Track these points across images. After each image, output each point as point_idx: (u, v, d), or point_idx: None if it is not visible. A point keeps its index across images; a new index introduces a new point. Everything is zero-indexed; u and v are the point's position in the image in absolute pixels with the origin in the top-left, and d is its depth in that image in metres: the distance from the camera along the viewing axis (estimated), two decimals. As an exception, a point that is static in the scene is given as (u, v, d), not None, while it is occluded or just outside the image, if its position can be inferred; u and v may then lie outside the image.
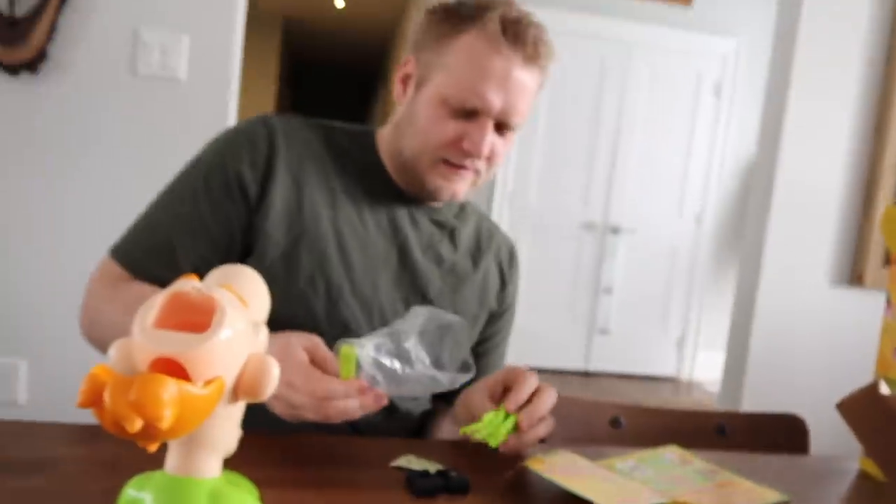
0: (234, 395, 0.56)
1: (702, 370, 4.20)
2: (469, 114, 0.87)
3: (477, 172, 0.92)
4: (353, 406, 0.72)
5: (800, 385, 2.02)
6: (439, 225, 0.98)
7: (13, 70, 1.84)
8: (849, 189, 2.07)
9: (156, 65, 1.91)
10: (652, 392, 3.91)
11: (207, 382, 0.52)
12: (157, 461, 0.54)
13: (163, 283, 0.83)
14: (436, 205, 0.98)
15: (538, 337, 4.00)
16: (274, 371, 0.56)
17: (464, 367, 0.78)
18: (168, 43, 1.91)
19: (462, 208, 1.03)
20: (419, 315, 0.79)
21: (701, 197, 4.15)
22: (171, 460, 0.57)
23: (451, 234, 0.99)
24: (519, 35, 0.86)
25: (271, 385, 0.56)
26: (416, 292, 0.94)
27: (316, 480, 0.70)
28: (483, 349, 1.04)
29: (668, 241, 4.13)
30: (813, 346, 2.06)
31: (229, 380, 0.54)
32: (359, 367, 0.73)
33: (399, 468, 0.74)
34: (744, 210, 4.09)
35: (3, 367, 1.88)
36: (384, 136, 0.97)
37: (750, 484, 0.77)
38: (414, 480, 0.70)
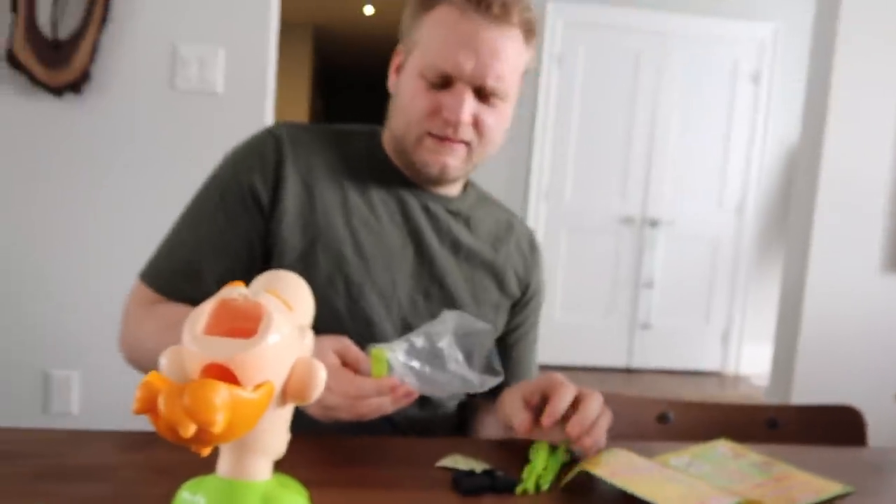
0: (283, 398, 0.57)
1: (748, 364, 4.11)
2: (444, 83, 0.87)
3: (468, 146, 0.91)
4: (385, 403, 0.73)
5: (853, 376, 1.96)
6: (454, 214, 0.98)
7: (58, 91, 1.90)
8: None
9: (194, 79, 1.95)
10: (697, 387, 3.84)
11: (257, 387, 0.53)
12: (209, 465, 0.56)
13: (193, 301, 0.84)
14: (449, 194, 0.98)
15: (579, 334, 3.96)
16: (321, 374, 0.57)
17: (492, 371, 0.78)
18: (205, 57, 1.95)
19: (479, 198, 1.03)
20: (450, 319, 0.79)
21: (741, 187, 4.06)
22: (224, 464, 0.58)
23: (468, 223, 0.99)
24: None
25: (318, 388, 0.57)
26: (434, 282, 0.94)
27: (363, 480, 0.71)
28: (512, 339, 1.04)
29: (708, 232, 4.06)
30: (864, 334, 2.00)
31: (278, 383, 0.55)
32: (390, 368, 0.74)
33: (445, 468, 0.74)
34: (787, 199, 3.99)
35: (59, 379, 1.94)
36: (386, 133, 0.98)
37: (808, 476, 0.75)
38: (460, 480, 0.70)
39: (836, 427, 0.97)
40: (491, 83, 0.87)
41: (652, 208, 4.00)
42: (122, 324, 0.94)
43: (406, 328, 0.91)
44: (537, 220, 3.90)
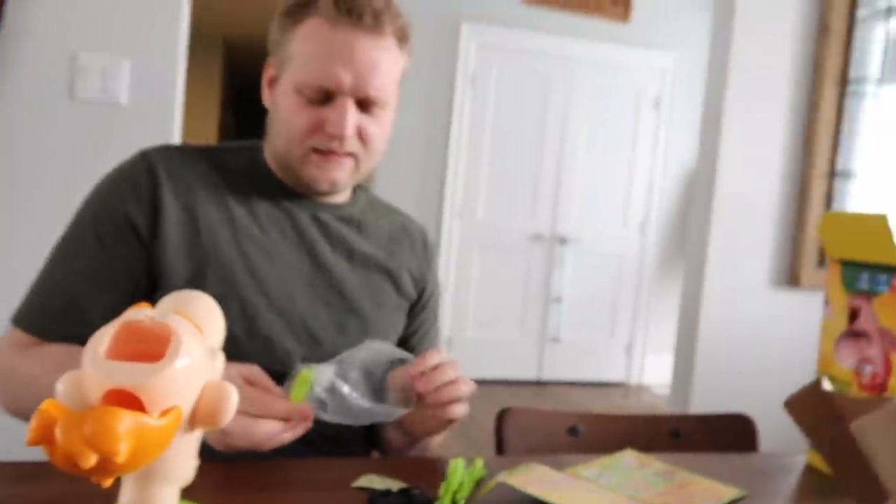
0: (191, 423, 0.55)
1: (650, 374, 4.30)
2: (325, 98, 0.87)
3: (355, 158, 0.90)
4: (281, 431, 0.73)
5: (746, 384, 2.09)
6: (345, 220, 0.97)
7: (-59, 96, 1.77)
8: (783, 195, 2.17)
9: (95, 89, 1.86)
10: (603, 398, 3.97)
11: (164, 412, 0.51)
12: (107, 495, 0.53)
13: (76, 340, 0.82)
14: (337, 201, 0.97)
15: (491, 349, 4.03)
16: (233, 397, 0.55)
17: (406, 403, 0.79)
18: (108, 67, 1.86)
19: (370, 202, 1.03)
20: (370, 349, 0.80)
21: (644, 206, 4.26)
22: (127, 494, 0.56)
23: (360, 228, 0.98)
24: (354, 8, 0.85)
25: (230, 412, 0.55)
26: (332, 291, 0.93)
27: (277, 507, 0.69)
28: (415, 341, 1.04)
29: (614, 249, 4.23)
30: (756, 345, 2.13)
31: (186, 408, 0.53)
32: (311, 391, 0.74)
33: (361, 488, 0.73)
34: (685, 218, 4.22)
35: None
36: (267, 146, 0.97)
37: (708, 482, 0.80)
38: (376, 500, 0.69)
39: (731, 434, 1.03)
40: (372, 94, 0.87)
41: (561, 226, 4.13)
42: None
43: (311, 339, 0.91)
44: (451, 237, 3.95)
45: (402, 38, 0.90)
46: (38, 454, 0.90)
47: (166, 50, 1.90)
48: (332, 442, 0.91)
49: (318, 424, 0.77)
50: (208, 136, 7.07)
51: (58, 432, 0.45)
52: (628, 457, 0.86)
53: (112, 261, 0.86)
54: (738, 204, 2.14)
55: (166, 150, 0.92)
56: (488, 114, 3.99)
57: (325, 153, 0.88)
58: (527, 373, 4.13)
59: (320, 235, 0.94)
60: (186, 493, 0.58)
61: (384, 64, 0.87)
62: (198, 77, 6.08)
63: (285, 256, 0.91)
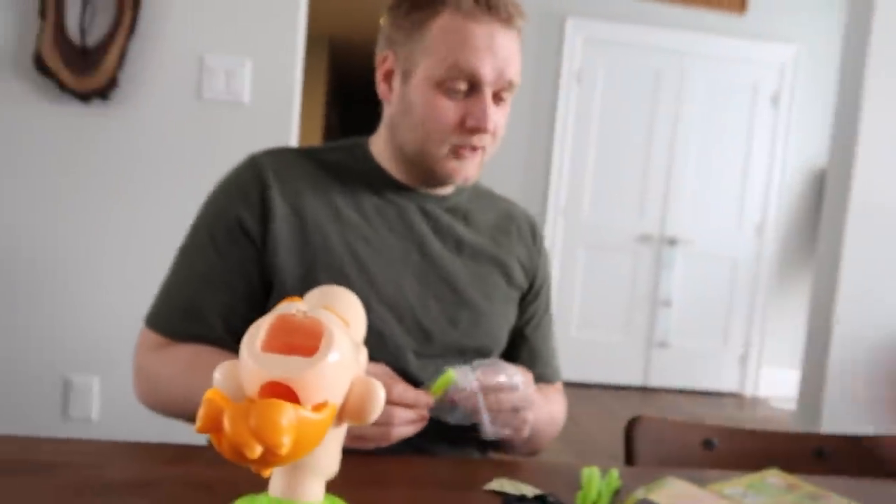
0: (339, 418, 0.55)
1: (766, 386, 4.06)
2: (466, 90, 0.87)
3: (484, 150, 0.91)
4: (412, 419, 0.77)
5: (883, 397, 1.93)
6: (452, 211, 0.97)
7: (85, 97, 1.90)
8: (928, 197, 1.99)
9: (220, 89, 1.95)
10: (716, 408, 3.79)
11: (316, 406, 0.51)
12: (252, 482, 0.54)
13: (199, 340, 0.88)
14: (444, 192, 0.96)
15: (596, 352, 3.93)
16: (380, 394, 0.55)
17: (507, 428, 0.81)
18: (232, 67, 1.95)
19: (475, 191, 1.02)
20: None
21: (761, 208, 4.03)
22: (277, 484, 0.57)
23: (466, 218, 0.98)
24: (491, 2, 0.87)
25: (377, 409, 0.55)
26: (442, 283, 0.93)
27: (412, 503, 0.69)
28: (528, 330, 1.02)
29: (727, 252, 4.02)
30: (894, 361, 1.97)
31: (336, 403, 0.54)
32: (454, 384, 0.76)
33: (493, 492, 0.72)
34: (807, 221, 3.96)
35: (79, 384, 1.93)
36: (378, 141, 0.97)
37: (865, 511, 0.73)
38: (512, 505, 0.68)
39: (883, 458, 0.95)
40: (510, 80, 0.88)
41: (670, 226, 3.98)
42: (134, 374, 0.93)
43: (421, 332, 0.91)
44: (554, 236, 3.89)
45: (521, 31, 0.92)
46: (169, 435, 0.94)
47: (285, 50, 1.97)
48: (448, 441, 0.91)
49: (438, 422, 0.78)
50: (314, 134, 7.31)
51: (226, 423, 0.45)
52: (773, 476, 0.81)
53: (227, 264, 0.89)
54: (874, 205, 1.98)
55: (273, 154, 0.95)
56: (594, 110, 3.90)
57: (465, 148, 0.89)
58: (632, 378, 4.00)
59: (428, 228, 0.94)
60: (327, 486, 0.58)
61: (515, 52, 0.89)
62: (306, 76, 6.29)
63: (394, 250, 0.92)
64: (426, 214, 0.94)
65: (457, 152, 0.89)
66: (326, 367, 0.51)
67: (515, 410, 0.79)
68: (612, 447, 0.91)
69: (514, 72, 0.89)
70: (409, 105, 0.90)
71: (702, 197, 3.98)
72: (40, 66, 1.87)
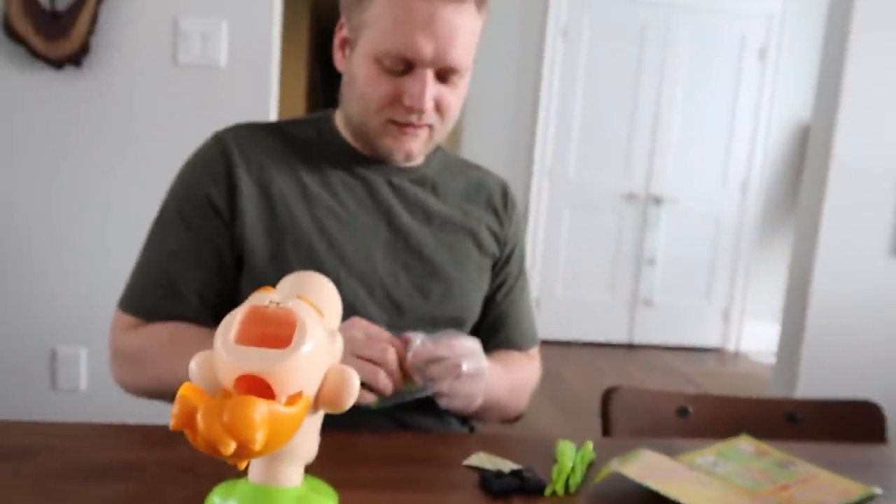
0: (315, 405, 0.56)
1: (749, 341, 4.13)
2: (404, 68, 0.84)
3: (430, 128, 0.89)
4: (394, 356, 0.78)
5: (861, 359, 1.97)
6: (420, 182, 0.96)
7: (58, 64, 1.86)
8: (909, 155, 1.99)
9: (196, 53, 1.90)
10: (698, 363, 3.86)
11: (291, 397, 0.52)
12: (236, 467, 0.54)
13: (175, 318, 0.88)
14: (411, 164, 0.96)
15: (581, 310, 3.97)
16: (355, 382, 0.56)
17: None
18: (208, 30, 1.90)
19: (445, 161, 1.01)
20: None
21: (746, 164, 4.04)
22: (255, 470, 0.58)
23: (434, 188, 0.97)
24: None
25: (352, 396, 0.56)
26: (412, 254, 0.93)
27: (391, 481, 0.71)
28: (500, 295, 1.01)
29: (712, 209, 4.04)
30: (873, 319, 2.00)
31: (311, 392, 0.54)
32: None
33: (471, 467, 0.74)
34: (792, 177, 3.97)
35: (68, 355, 1.93)
36: (339, 113, 0.96)
37: (833, 476, 0.75)
38: (489, 481, 0.69)
39: (856, 422, 0.97)
40: (452, 64, 0.84)
41: (655, 185, 3.98)
42: (111, 357, 0.93)
43: (393, 305, 0.91)
44: (540, 196, 3.88)
45: (481, 6, 0.87)
46: (161, 416, 0.95)
47: (261, 10, 1.91)
48: (433, 414, 0.92)
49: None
50: (297, 91, 7.18)
51: (199, 420, 0.46)
52: (744, 444, 0.83)
53: (198, 240, 0.89)
54: (857, 164, 1.98)
55: (238, 130, 0.94)
56: (580, 67, 3.85)
57: (403, 125, 0.87)
58: (617, 335, 4.06)
59: (396, 200, 0.94)
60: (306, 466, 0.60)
61: (464, 31, 0.84)
62: (286, 32, 6.14)
63: (362, 223, 0.91)
64: (393, 187, 0.94)
65: (396, 129, 0.88)
66: (300, 359, 0.51)
67: (457, 378, 0.79)
68: (596, 405, 0.93)
69: (458, 53, 0.84)
70: (353, 77, 0.89)
71: (687, 154, 3.97)
72: (9, 31, 1.82)
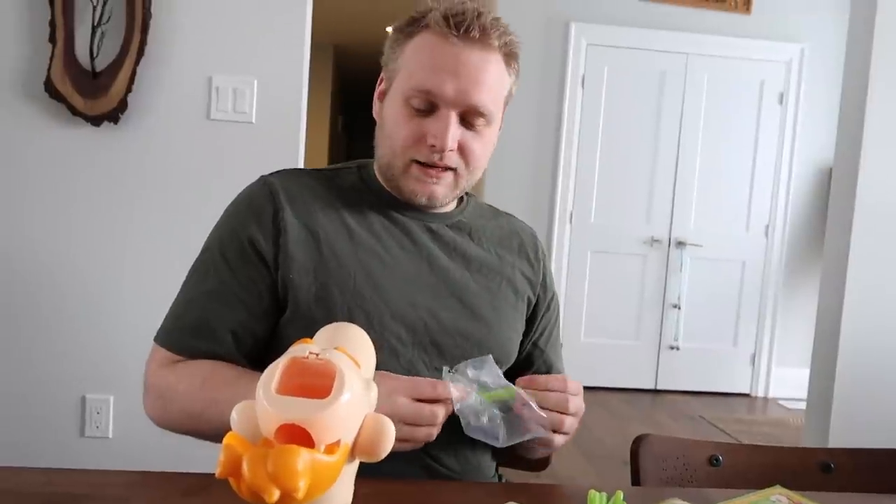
0: (352, 454, 0.57)
1: (777, 387, 4.05)
2: (430, 108, 0.88)
3: (455, 172, 0.92)
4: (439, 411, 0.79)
5: (894, 405, 1.93)
6: (457, 228, 0.99)
7: (96, 121, 1.94)
8: (935, 198, 1.98)
9: (228, 109, 1.98)
10: (727, 409, 3.79)
11: (330, 446, 0.53)
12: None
13: (210, 356, 0.89)
14: (446, 210, 0.99)
15: (606, 356, 3.94)
16: (390, 432, 0.57)
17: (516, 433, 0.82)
18: (239, 87, 1.98)
19: (478, 208, 1.04)
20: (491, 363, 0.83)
21: (769, 209, 4.03)
22: (293, 519, 0.59)
23: (471, 234, 1.00)
24: (463, 22, 0.87)
25: (388, 445, 0.57)
26: (454, 299, 0.94)
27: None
28: (542, 342, 1.05)
29: (736, 254, 4.02)
30: (905, 363, 1.97)
31: (349, 440, 0.56)
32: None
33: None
34: (816, 221, 3.95)
35: (95, 402, 1.96)
36: (376, 159, 0.99)
37: (868, 528, 0.74)
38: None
39: (891, 471, 0.96)
40: (474, 105, 0.88)
41: (678, 230, 3.98)
42: (145, 392, 0.94)
43: (434, 347, 0.92)
44: (562, 242, 3.90)
45: (510, 55, 0.91)
46: (190, 464, 0.96)
47: (290, 68, 1.99)
48: (464, 462, 0.92)
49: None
50: (321, 140, 7.34)
51: (244, 468, 0.48)
52: (777, 495, 0.82)
53: (238, 282, 0.91)
54: (882, 205, 1.98)
55: (284, 174, 0.97)
56: (600, 115, 3.91)
57: (426, 166, 0.90)
58: (643, 381, 4.01)
59: (435, 244, 0.96)
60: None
61: (489, 77, 0.88)
62: (311, 85, 6.31)
63: (405, 266, 0.93)
64: (431, 232, 0.96)
65: (419, 170, 0.91)
66: (339, 408, 0.53)
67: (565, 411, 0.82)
68: (623, 453, 0.92)
69: (481, 96, 0.88)
70: (384, 121, 0.94)
71: (709, 199, 3.98)
72: (51, 91, 1.91)
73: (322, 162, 6.80)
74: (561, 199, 3.90)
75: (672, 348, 4.00)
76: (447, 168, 0.91)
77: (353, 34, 6.78)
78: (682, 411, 3.68)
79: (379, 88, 0.97)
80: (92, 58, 1.91)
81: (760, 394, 4.07)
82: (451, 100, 0.87)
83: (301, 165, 2.05)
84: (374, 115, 0.97)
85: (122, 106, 1.93)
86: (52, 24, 1.89)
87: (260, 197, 0.93)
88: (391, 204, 0.96)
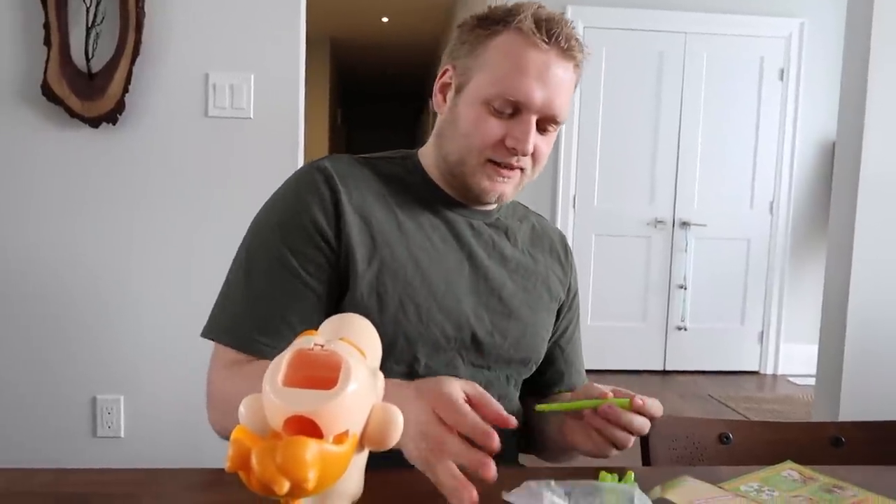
0: (361, 444, 0.57)
1: (786, 363, 4.05)
2: (511, 112, 0.88)
3: (522, 172, 0.92)
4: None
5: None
6: (495, 227, 0.99)
7: (94, 122, 1.93)
8: (939, 168, 1.97)
9: (225, 105, 1.97)
10: (736, 387, 3.79)
11: (338, 436, 0.53)
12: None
13: (272, 348, 0.84)
14: (487, 208, 0.99)
15: (614, 339, 3.94)
16: (399, 420, 0.57)
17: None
18: (237, 84, 1.97)
19: (512, 207, 1.04)
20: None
21: (773, 186, 4.01)
22: (305, 510, 0.59)
23: (507, 234, 1.00)
24: (552, 30, 0.87)
25: (397, 434, 0.57)
26: (492, 295, 0.95)
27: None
28: (563, 341, 1.06)
29: (741, 232, 4.01)
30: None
31: (357, 431, 0.56)
32: None
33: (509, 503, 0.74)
34: (820, 196, 3.93)
35: (106, 402, 1.97)
36: (427, 152, 0.98)
37: (884, 499, 0.74)
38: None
39: (901, 442, 0.95)
40: (555, 115, 0.89)
41: (682, 209, 3.97)
42: (207, 399, 0.89)
43: (475, 343, 0.92)
44: (566, 226, 3.89)
45: (579, 67, 0.92)
46: (195, 459, 0.96)
47: (287, 63, 1.98)
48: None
49: None
50: (321, 134, 7.33)
51: (254, 461, 0.48)
52: (788, 469, 0.82)
53: (307, 267, 0.88)
54: (886, 178, 1.97)
55: (335, 159, 0.95)
56: (600, 97, 3.89)
57: (501, 166, 0.90)
58: (651, 363, 4.01)
59: (476, 242, 0.96)
60: (355, 506, 0.61)
61: (567, 87, 0.90)
62: (308, 78, 6.30)
63: (449, 261, 0.93)
64: (473, 229, 0.97)
65: (493, 169, 0.91)
66: (346, 399, 0.53)
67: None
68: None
69: (561, 105, 0.89)
70: (457, 116, 0.92)
71: (712, 178, 3.96)
72: (48, 94, 1.90)
73: (322, 154, 6.78)
74: (563, 183, 3.88)
75: (679, 329, 4.00)
76: (519, 168, 0.92)
77: (350, 27, 6.76)
78: (691, 391, 3.68)
79: (441, 81, 0.95)
80: (87, 59, 1.91)
81: (769, 371, 4.07)
82: (537, 108, 0.88)
83: (300, 159, 2.05)
84: (435, 107, 0.96)
85: (120, 106, 1.93)
86: (47, 26, 1.88)
87: (316, 180, 0.90)
88: (436, 198, 0.96)
